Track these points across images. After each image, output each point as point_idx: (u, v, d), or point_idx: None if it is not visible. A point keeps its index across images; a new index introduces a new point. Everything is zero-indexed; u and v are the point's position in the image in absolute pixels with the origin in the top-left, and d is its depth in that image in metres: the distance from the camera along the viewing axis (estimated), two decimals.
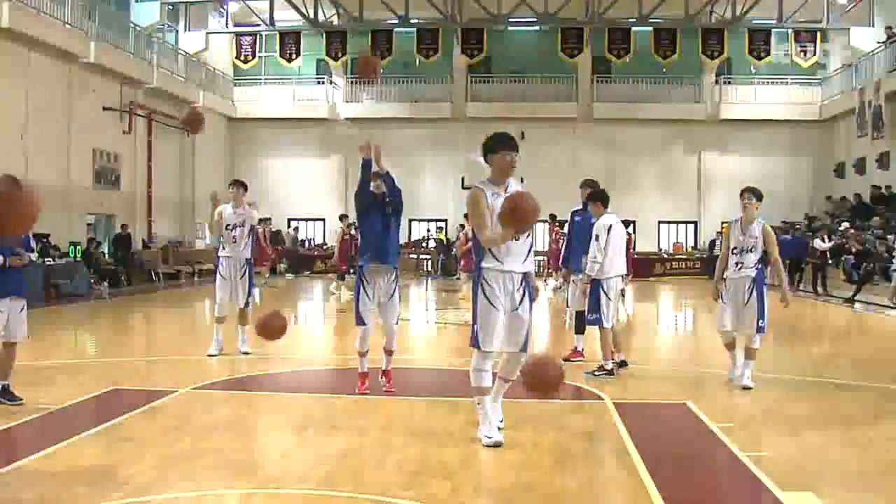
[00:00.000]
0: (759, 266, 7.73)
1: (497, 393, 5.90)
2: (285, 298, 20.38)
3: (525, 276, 5.71)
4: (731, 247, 7.83)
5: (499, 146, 5.70)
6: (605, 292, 8.27)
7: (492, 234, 5.50)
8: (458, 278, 21.18)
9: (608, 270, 8.27)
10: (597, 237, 8.23)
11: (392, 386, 7.44)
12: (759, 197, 7.78)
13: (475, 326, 5.65)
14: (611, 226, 8.27)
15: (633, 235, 19.84)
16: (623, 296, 19.65)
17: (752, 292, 7.68)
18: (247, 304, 9.64)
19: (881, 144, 24.03)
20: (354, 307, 7.39)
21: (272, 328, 7.74)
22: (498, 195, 5.54)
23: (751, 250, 7.70)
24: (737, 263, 7.75)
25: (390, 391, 7.38)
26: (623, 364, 8.62)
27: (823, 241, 21.08)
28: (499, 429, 5.77)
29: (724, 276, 7.91)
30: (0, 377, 6.75)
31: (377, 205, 7.34)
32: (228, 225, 9.53)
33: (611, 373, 8.30)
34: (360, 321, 7.34)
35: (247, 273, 9.59)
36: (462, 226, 22.66)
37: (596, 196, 8.54)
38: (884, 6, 25.65)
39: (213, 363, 9.00)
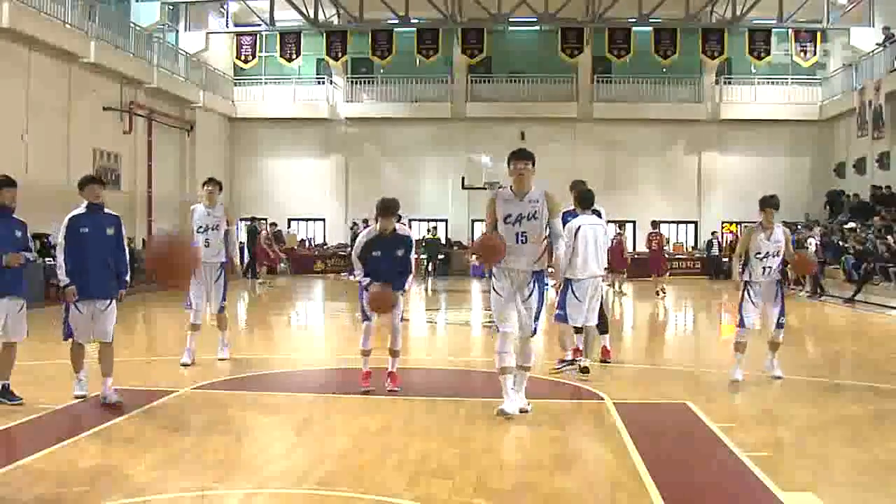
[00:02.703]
0: (781, 267, 8.33)
1: (519, 382, 6.61)
2: (285, 298, 20.39)
3: (535, 273, 6.47)
4: (756, 253, 8.18)
5: (509, 158, 6.56)
6: (573, 293, 8.30)
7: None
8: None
9: (578, 273, 8.27)
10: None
11: (397, 384, 7.46)
12: (777, 206, 8.32)
13: (494, 314, 6.61)
14: (578, 227, 8.28)
15: (623, 234, 20.09)
16: (622, 295, 19.82)
17: (777, 293, 8.23)
18: (221, 310, 9.21)
19: (881, 144, 24.01)
20: (360, 304, 7.49)
21: (385, 301, 7.32)
22: (511, 201, 6.45)
23: (776, 254, 8.17)
24: (764, 269, 8.19)
25: (395, 390, 7.40)
26: (572, 363, 8.50)
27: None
28: (523, 411, 6.49)
29: (750, 279, 8.24)
30: (0, 377, 6.76)
31: (384, 243, 7.34)
32: (200, 227, 9.01)
33: (572, 363, 8.40)
34: (367, 317, 7.42)
35: (222, 277, 9.10)
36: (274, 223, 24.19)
37: (581, 196, 8.61)
38: (883, 6, 25.64)
39: (214, 362, 8.99)
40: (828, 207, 26.69)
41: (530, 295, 6.44)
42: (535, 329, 6.61)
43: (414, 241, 7.66)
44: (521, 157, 6.50)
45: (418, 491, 4.63)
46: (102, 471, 4.97)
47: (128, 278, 7.07)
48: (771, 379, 8.23)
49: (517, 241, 6.39)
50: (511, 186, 6.51)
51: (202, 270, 8.89)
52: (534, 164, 6.51)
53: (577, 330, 9.21)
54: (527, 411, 6.53)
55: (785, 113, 28.65)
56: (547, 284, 7.17)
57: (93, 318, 6.90)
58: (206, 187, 9.23)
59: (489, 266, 6.66)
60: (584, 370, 8.34)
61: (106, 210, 7.11)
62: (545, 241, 6.44)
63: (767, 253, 8.16)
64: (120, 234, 7.08)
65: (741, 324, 8.25)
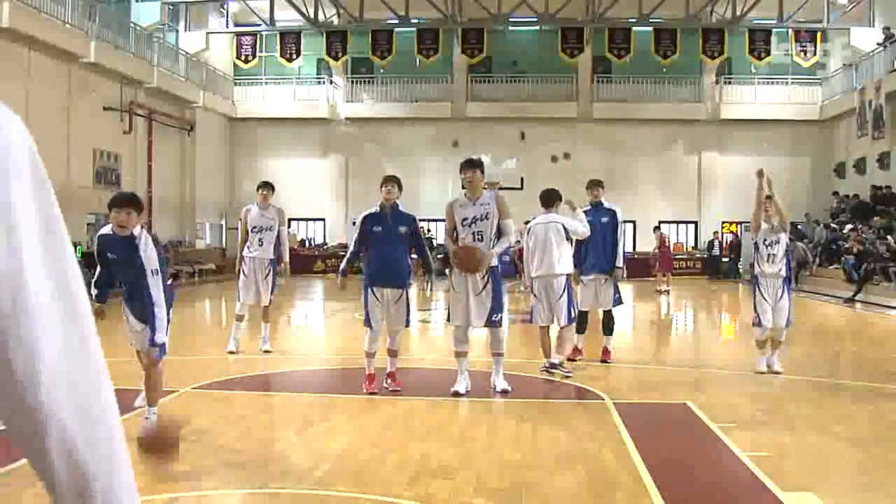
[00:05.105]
0: (786, 260, 8.53)
1: (494, 366, 7.52)
2: (285, 298, 20.37)
3: (490, 268, 7.21)
4: (763, 239, 8.48)
5: (460, 167, 7.29)
6: (532, 292, 8.35)
7: (448, 243, 7.42)
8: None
9: (528, 270, 8.36)
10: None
11: (398, 384, 7.45)
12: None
13: (448, 308, 7.55)
14: (530, 228, 8.31)
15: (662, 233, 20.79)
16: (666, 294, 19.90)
17: (784, 292, 8.45)
18: (270, 302, 9.80)
19: (881, 144, 24.01)
20: (364, 310, 7.40)
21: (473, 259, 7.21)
22: (466, 206, 7.23)
23: (778, 242, 8.47)
24: (769, 256, 8.44)
25: (395, 390, 7.39)
26: (553, 367, 8.33)
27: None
28: (505, 391, 7.34)
29: (759, 270, 8.52)
30: None
31: (386, 227, 7.29)
32: (255, 227, 9.59)
33: (552, 367, 8.28)
34: (368, 324, 7.36)
35: (271, 273, 9.68)
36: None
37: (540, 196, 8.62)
38: (883, 6, 25.64)
39: (214, 362, 9.00)
40: (840, 208, 26.46)
41: (483, 288, 7.21)
42: (500, 320, 7.32)
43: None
44: (468, 166, 7.28)
45: (418, 491, 4.62)
46: None
47: (161, 338, 5.62)
48: (771, 375, 8.37)
49: (473, 240, 7.22)
50: (465, 193, 7.36)
51: (251, 266, 9.53)
52: (482, 171, 7.35)
53: (580, 330, 9.20)
54: (508, 391, 7.33)
55: (785, 113, 28.65)
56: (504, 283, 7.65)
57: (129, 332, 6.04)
58: (260, 191, 9.79)
59: (470, 272, 7.20)
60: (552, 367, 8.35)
61: (136, 233, 5.48)
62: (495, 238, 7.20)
63: (772, 241, 8.44)
64: (154, 268, 5.44)
65: (758, 323, 8.48)
